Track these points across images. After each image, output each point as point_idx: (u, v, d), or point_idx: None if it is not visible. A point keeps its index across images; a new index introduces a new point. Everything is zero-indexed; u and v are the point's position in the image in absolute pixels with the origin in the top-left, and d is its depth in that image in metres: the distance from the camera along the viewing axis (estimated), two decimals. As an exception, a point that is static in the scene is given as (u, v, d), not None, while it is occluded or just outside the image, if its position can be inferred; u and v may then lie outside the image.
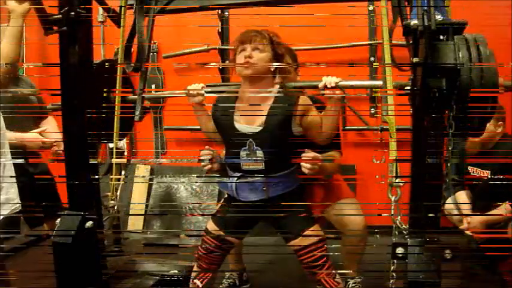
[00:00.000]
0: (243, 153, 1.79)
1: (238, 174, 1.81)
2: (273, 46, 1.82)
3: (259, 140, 1.77)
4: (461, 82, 1.38)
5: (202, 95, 1.86)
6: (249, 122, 1.80)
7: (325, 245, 1.81)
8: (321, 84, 1.70)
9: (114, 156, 1.93)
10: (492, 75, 1.41)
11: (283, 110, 1.75)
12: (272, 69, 1.81)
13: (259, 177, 1.76)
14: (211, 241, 1.88)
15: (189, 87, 1.88)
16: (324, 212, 2.19)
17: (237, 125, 1.81)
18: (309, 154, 1.77)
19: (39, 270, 2.43)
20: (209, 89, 1.89)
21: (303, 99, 1.81)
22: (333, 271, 1.81)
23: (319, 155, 1.80)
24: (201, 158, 1.87)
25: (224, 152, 1.91)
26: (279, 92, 1.79)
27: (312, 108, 1.82)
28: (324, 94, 1.70)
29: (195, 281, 1.92)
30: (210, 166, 1.87)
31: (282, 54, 1.86)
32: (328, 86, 1.68)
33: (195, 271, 1.94)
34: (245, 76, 1.80)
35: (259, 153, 1.76)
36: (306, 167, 1.76)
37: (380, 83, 1.57)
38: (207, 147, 1.89)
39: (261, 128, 1.77)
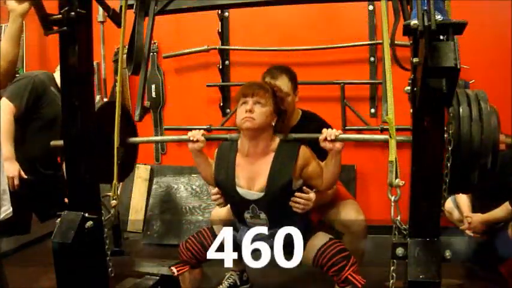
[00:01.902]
0: (247, 215, 1.83)
1: (246, 229, 1.82)
2: (276, 101, 1.81)
3: (261, 205, 1.79)
4: (462, 137, 1.43)
5: (202, 141, 1.85)
6: (249, 185, 1.81)
7: (340, 243, 1.81)
8: (321, 137, 1.70)
9: (115, 157, 1.93)
10: (492, 131, 1.44)
11: (285, 170, 1.75)
12: (273, 123, 1.81)
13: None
14: (210, 238, 1.89)
15: (189, 134, 1.88)
16: (324, 217, 2.19)
17: (239, 190, 1.81)
18: (302, 195, 1.78)
19: (39, 270, 2.44)
20: (208, 136, 1.90)
21: (303, 151, 1.80)
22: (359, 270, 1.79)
23: (312, 196, 1.79)
24: (213, 197, 1.93)
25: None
26: (280, 145, 1.80)
27: (312, 159, 1.82)
28: (324, 146, 1.70)
29: (172, 267, 1.94)
30: (221, 201, 1.92)
31: (284, 109, 1.86)
32: (328, 138, 1.68)
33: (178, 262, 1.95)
34: (245, 130, 1.78)
35: (263, 215, 1.80)
36: (298, 207, 1.78)
37: (381, 137, 1.59)
38: (216, 190, 1.92)
39: (262, 194, 1.78)
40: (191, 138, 1.85)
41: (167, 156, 3.80)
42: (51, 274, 1.76)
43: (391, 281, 1.51)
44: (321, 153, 1.80)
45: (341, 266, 1.73)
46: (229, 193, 1.86)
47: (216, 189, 1.93)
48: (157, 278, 2.35)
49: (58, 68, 2.44)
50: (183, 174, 3.62)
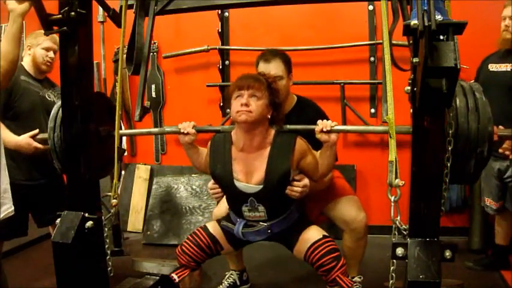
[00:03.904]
0: (244, 208, 1.82)
1: (243, 223, 1.85)
2: (271, 93, 1.79)
3: (260, 198, 1.78)
4: (459, 128, 1.46)
5: (193, 133, 1.83)
6: (247, 178, 1.79)
7: (333, 242, 1.80)
8: (317, 128, 1.69)
9: (116, 157, 1.93)
10: (488, 121, 1.46)
11: (282, 162, 1.75)
12: (269, 116, 1.79)
13: (263, 224, 1.82)
14: (207, 240, 1.89)
15: (179, 125, 1.85)
16: (324, 211, 2.19)
17: (237, 183, 1.80)
18: (298, 183, 1.78)
19: (39, 270, 2.43)
20: (199, 127, 1.86)
21: (299, 144, 1.79)
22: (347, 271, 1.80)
23: (307, 182, 1.79)
24: (211, 191, 1.93)
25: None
26: (275, 137, 1.79)
27: (308, 151, 1.81)
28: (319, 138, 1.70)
29: (172, 274, 1.93)
30: (220, 195, 1.92)
31: (279, 102, 1.84)
32: (324, 129, 1.68)
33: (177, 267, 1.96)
34: (240, 123, 1.75)
35: (261, 208, 1.80)
36: (295, 195, 1.78)
37: (379, 128, 1.58)
38: (212, 182, 1.92)
39: (261, 186, 1.77)
40: (182, 131, 1.82)
41: (167, 156, 3.81)
42: (51, 274, 1.76)
43: (391, 281, 1.51)
44: (317, 144, 1.80)
45: (330, 267, 1.74)
46: (227, 187, 1.84)
47: (212, 183, 1.92)
48: (157, 278, 2.35)
49: (25, 56, 2.42)
50: (183, 174, 3.62)
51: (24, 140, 2.19)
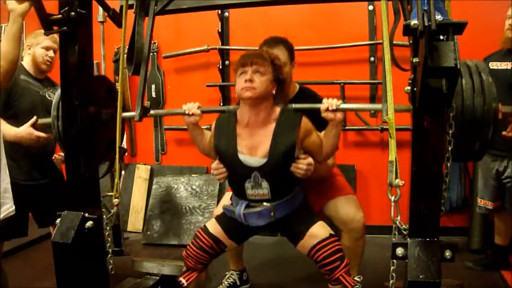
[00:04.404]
0: (248, 185, 1.78)
1: (245, 204, 1.82)
2: (274, 69, 1.79)
3: (264, 172, 1.76)
4: (465, 108, 1.46)
5: (198, 114, 1.82)
6: (252, 152, 1.78)
7: (338, 242, 1.79)
8: (322, 107, 1.69)
9: (117, 156, 1.93)
10: (493, 101, 1.47)
11: (287, 136, 1.74)
12: (273, 92, 1.79)
13: (266, 204, 1.78)
14: (208, 241, 1.88)
15: (184, 106, 1.84)
16: (323, 209, 2.19)
17: (241, 157, 1.78)
18: (303, 161, 1.77)
19: (39, 270, 2.44)
20: (204, 108, 1.85)
21: (304, 122, 1.79)
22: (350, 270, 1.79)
23: (311, 161, 1.78)
24: (213, 171, 1.88)
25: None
26: (281, 114, 1.78)
27: (313, 130, 1.81)
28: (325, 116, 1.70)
29: (180, 278, 1.92)
30: (222, 175, 1.86)
31: (283, 78, 1.84)
32: (330, 108, 1.68)
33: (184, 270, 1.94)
34: (245, 99, 1.77)
35: (265, 184, 1.77)
36: (300, 173, 1.76)
37: (379, 106, 1.58)
38: (216, 162, 1.88)
39: (265, 160, 1.75)
40: (186, 112, 1.82)
41: (167, 156, 3.81)
42: (51, 274, 1.76)
43: (391, 281, 1.51)
44: (320, 125, 1.80)
45: (334, 267, 1.74)
46: (230, 161, 1.81)
47: (216, 162, 1.88)
48: (157, 278, 2.35)
49: (25, 56, 2.41)
50: (183, 174, 3.62)
51: (25, 130, 2.15)
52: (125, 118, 1.92)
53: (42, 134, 2.16)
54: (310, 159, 1.77)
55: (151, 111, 1.87)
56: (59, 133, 1.90)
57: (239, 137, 1.79)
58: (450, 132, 1.48)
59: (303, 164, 1.75)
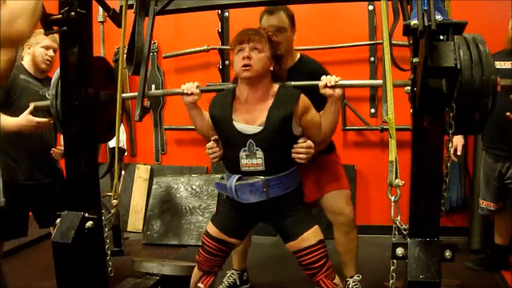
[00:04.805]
0: (242, 154, 1.75)
1: (237, 176, 1.79)
2: (272, 45, 1.79)
3: (259, 140, 1.73)
4: (463, 79, 1.42)
5: (197, 94, 1.83)
6: (248, 122, 1.77)
7: (325, 247, 1.79)
8: (321, 83, 1.70)
9: (116, 156, 1.93)
10: (492, 73, 1.44)
11: (285, 108, 1.73)
12: (271, 69, 1.79)
13: (259, 177, 1.75)
14: (213, 244, 1.87)
15: (183, 86, 1.85)
16: (318, 200, 2.20)
17: (237, 125, 1.77)
18: (302, 144, 1.75)
19: (39, 270, 2.43)
20: (203, 88, 1.86)
21: (303, 98, 1.78)
22: (332, 273, 1.80)
23: (311, 143, 1.76)
24: (208, 151, 1.86)
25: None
26: (279, 90, 1.78)
27: (311, 108, 1.81)
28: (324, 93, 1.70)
29: (198, 284, 1.91)
30: (217, 154, 1.84)
31: (281, 54, 1.85)
32: (329, 84, 1.68)
33: (196, 275, 1.94)
34: (244, 79, 1.76)
35: (259, 153, 1.74)
36: (301, 157, 1.74)
37: (380, 82, 1.57)
38: (211, 142, 1.85)
39: (261, 127, 1.73)
40: (185, 91, 1.82)
41: (167, 156, 3.81)
42: (51, 274, 1.76)
43: (391, 281, 1.51)
44: (318, 103, 1.79)
45: (316, 272, 1.76)
46: (226, 129, 1.79)
47: (211, 142, 1.86)
48: (157, 278, 2.35)
49: (25, 55, 2.41)
50: (183, 174, 3.62)
51: (24, 118, 2.14)
52: (125, 99, 1.89)
53: (41, 120, 2.16)
54: (309, 142, 1.76)
55: (149, 92, 1.86)
56: (57, 112, 1.87)
57: (237, 111, 1.78)
58: (450, 132, 1.48)
59: (302, 148, 1.73)
